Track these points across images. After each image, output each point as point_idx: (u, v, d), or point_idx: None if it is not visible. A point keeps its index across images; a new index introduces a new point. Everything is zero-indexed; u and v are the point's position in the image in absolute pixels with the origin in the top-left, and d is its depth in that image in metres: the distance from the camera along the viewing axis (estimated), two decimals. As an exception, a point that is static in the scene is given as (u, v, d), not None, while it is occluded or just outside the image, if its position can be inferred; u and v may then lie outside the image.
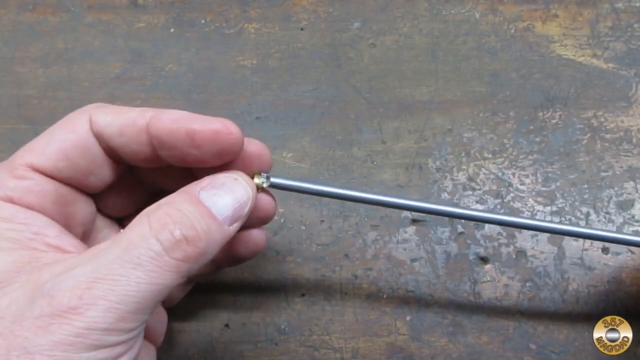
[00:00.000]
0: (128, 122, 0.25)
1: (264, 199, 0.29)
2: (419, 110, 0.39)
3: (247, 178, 0.26)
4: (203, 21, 0.41)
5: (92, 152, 0.25)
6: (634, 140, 0.39)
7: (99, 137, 0.25)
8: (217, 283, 0.35)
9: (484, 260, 0.36)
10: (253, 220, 0.28)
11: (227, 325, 0.35)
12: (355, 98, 0.40)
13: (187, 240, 0.22)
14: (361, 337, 0.35)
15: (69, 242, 0.25)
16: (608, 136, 0.39)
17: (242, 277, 0.36)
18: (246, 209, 0.26)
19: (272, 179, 0.28)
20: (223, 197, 0.25)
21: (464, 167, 0.38)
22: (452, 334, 0.35)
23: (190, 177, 0.27)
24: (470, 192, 0.38)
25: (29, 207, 0.24)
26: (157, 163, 0.26)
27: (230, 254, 0.30)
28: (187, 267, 0.22)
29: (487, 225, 0.37)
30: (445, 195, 0.37)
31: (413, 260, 0.36)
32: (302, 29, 0.41)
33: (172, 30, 0.41)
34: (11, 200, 0.24)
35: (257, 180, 0.27)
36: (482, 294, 0.36)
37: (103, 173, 0.27)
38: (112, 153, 0.26)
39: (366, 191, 0.29)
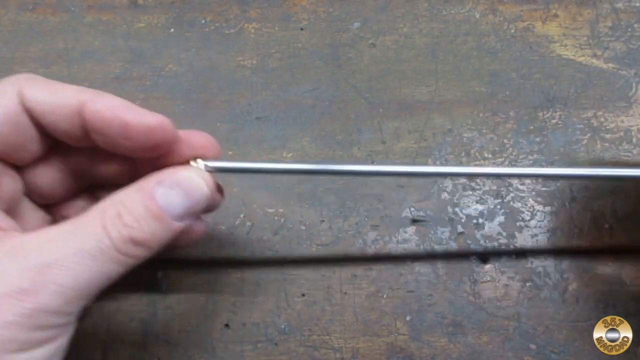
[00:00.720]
0: (61, 102, 0.25)
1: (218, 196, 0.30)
2: (419, 110, 0.39)
3: (205, 176, 0.27)
4: (203, 21, 0.41)
5: (21, 125, 0.25)
6: (634, 140, 0.39)
7: (29, 112, 0.25)
8: (217, 283, 0.35)
9: (484, 260, 0.36)
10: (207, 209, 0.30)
11: (227, 325, 0.35)
12: (355, 98, 0.40)
13: (134, 241, 0.24)
14: (361, 337, 0.35)
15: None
16: (608, 136, 0.39)
17: (242, 277, 0.36)
18: (200, 207, 0.26)
19: (208, 164, 0.28)
20: (178, 197, 0.25)
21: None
22: (452, 334, 0.35)
23: (126, 164, 0.28)
24: (470, 192, 0.38)
25: None
26: (88, 144, 0.26)
27: (172, 244, 0.30)
28: (132, 261, 0.24)
29: (487, 225, 0.37)
30: (445, 195, 0.37)
31: (413, 260, 0.36)
32: (302, 29, 0.41)
33: (172, 30, 0.41)
34: None
35: (193, 165, 0.28)
36: (482, 294, 0.36)
37: (32, 146, 0.26)
38: (42, 128, 0.26)
39: (305, 162, 0.29)
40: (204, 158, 0.28)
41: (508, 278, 0.36)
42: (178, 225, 0.25)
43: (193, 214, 0.26)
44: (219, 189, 0.31)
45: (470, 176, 0.32)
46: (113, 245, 0.23)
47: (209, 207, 0.30)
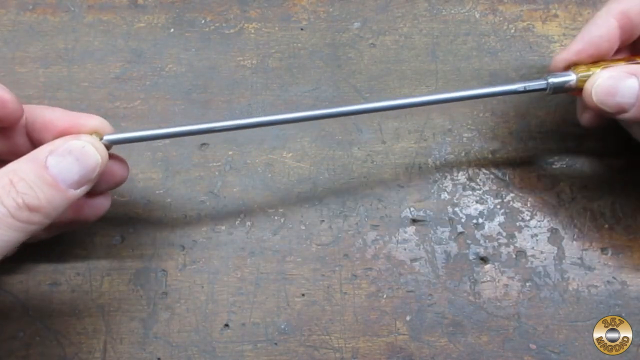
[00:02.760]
0: None
1: (115, 164, 0.31)
2: (419, 110, 0.39)
3: (97, 144, 0.28)
4: (203, 21, 0.41)
5: None
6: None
7: None
8: (217, 283, 0.35)
9: (484, 260, 0.36)
10: (104, 184, 0.31)
11: (227, 325, 0.35)
12: (355, 98, 0.40)
13: (29, 207, 0.25)
14: (361, 337, 0.35)
15: None
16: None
17: (242, 277, 0.36)
18: (94, 175, 0.27)
19: (106, 137, 0.29)
20: (71, 164, 0.26)
21: (464, 167, 0.38)
22: (452, 334, 0.35)
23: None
24: (470, 192, 0.38)
25: None
26: None
27: (76, 217, 0.31)
28: (30, 228, 0.25)
29: (487, 225, 0.37)
30: (445, 195, 0.37)
31: (413, 260, 0.36)
32: (302, 29, 0.41)
33: (172, 30, 0.41)
34: None
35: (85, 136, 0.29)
36: (482, 294, 0.36)
37: None
38: None
39: (201, 122, 0.31)
40: (99, 135, 0.29)
41: (508, 278, 0.36)
42: (74, 192, 0.27)
43: (88, 182, 0.27)
44: (121, 161, 0.31)
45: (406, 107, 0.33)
46: (8, 212, 0.24)
47: (113, 181, 0.31)
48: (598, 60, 0.33)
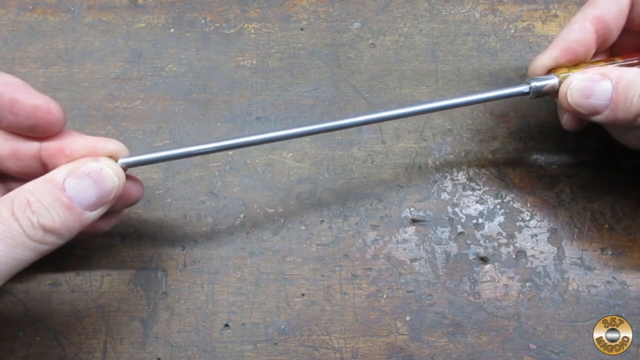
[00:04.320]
0: None
1: (131, 185, 0.30)
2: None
3: (115, 167, 0.28)
4: (203, 21, 0.41)
5: None
6: (634, 140, 0.39)
7: None
8: (217, 283, 0.35)
9: (484, 260, 0.36)
10: (119, 204, 0.30)
11: (227, 325, 0.35)
12: (355, 98, 0.40)
13: (44, 228, 0.25)
14: (361, 337, 0.35)
15: None
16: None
17: (242, 277, 0.36)
18: (111, 197, 0.27)
19: (122, 160, 0.29)
20: (88, 187, 0.26)
21: (464, 167, 0.38)
22: (452, 334, 0.35)
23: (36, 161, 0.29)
24: (470, 192, 0.38)
25: None
26: None
27: (85, 232, 0.31)
28: (43, 248, 0.25)
29: (487, 225, 0.37)
30: (445, 195, 0.37)
31: (413, 260, 0.36)
32: (302, 29, 0.41)
33: (172, 30, 0.41)
34: None
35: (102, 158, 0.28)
36: (482, 294, 0.36)
37: None
38: None
39: (218, 140, 0.31)
40: (115, 157, 0.29)
41: (508, 278, 0.36)
42: (89, 215, 0.26)
43: (105, 204, 0.27)
44: (137, 182, 0.31)
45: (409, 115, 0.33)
46: (23, 232, 0.24)
47: (129, 201, 0.31)
48: (578, 63, 0.33)
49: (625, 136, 0.35)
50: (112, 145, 0.29)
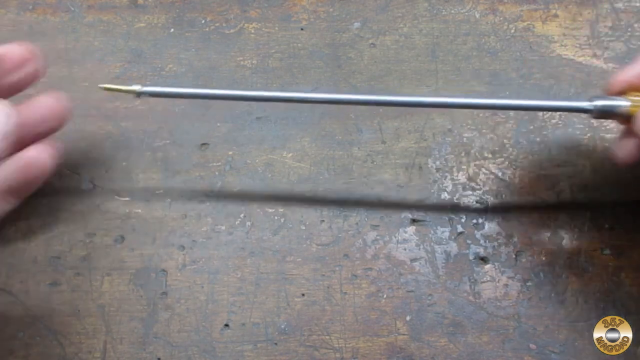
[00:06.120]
0: None
1: (45, 102, 0.31)
2: (419, 110, 0.39)
3: (5, 107, 0.28)
4: (203, 21, 0.41)
5: None
6: (634, 140, 0.39)
7: None
8: (217, 283, 0.35)
9: (484, 260, 0.36)
10: (40, 129, 0.31)
11: (227, 325, 0.35)
12: (355, 98, 0.40)
13: None
14: (361, 337, 0.35)
15: None
16: (608, 136, 0.39)
17: (242, 276, 0.36)
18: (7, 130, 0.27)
19: (141, 89, 0.31)
20: None
21: (464, 167, 0.38)
22: (452, 334, 0.35)
23: None
24: (470, 192, 0.38)
25: None
26: None
27: (24, 174, 0.31)
28: None
29: (487, 225, 0.37)
30: (445, 195, 0.37)
31: (413, 260, 0.36)
32: (302, 29, 0.41)
33: (172, 30, 0.41)
34: None
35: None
36: (482, 294, 0.36)
37: None
38: None
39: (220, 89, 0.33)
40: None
41: (508, 278, 0.36)
42: None
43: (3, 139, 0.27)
44: (56, 98, 0.32)
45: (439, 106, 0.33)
46: None
47: (50, 125, 0.31)
48: None
49: None
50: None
